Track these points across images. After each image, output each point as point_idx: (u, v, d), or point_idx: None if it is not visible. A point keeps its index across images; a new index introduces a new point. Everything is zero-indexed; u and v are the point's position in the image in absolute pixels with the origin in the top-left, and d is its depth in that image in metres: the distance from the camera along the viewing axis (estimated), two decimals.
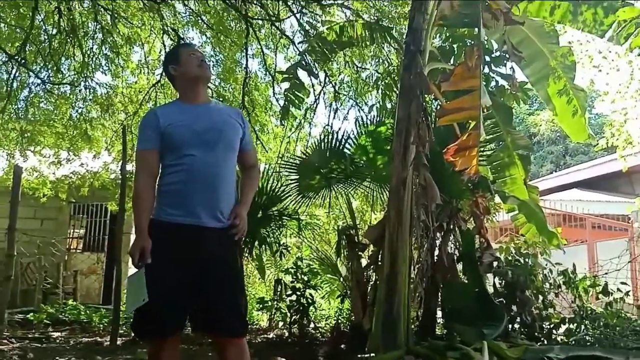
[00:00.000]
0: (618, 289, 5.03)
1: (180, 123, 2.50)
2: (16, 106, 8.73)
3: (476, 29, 4.27)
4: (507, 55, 4.56)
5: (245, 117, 2.87)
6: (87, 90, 8.73)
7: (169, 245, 2.41)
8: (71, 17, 7.76)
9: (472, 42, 4.25)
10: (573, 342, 4.67)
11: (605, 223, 10.18)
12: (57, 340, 5.95)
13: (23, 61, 7.66)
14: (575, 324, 4.92)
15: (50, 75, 8.47)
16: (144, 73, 9.23)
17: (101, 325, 6.97)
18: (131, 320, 2.51)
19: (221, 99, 8.35)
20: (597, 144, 9.10)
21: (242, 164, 2.71)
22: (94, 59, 8.45)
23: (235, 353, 2.46)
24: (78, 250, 11.28)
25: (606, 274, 5.31)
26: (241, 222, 2.54)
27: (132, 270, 2.63)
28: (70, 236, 11.30)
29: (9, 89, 7.96)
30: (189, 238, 2.40)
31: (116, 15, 7.85)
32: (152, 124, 2.54)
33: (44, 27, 8.04)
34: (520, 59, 4.51)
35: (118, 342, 5.60)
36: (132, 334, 5.18)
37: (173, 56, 2.72)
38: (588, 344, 4.57)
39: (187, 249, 2.39)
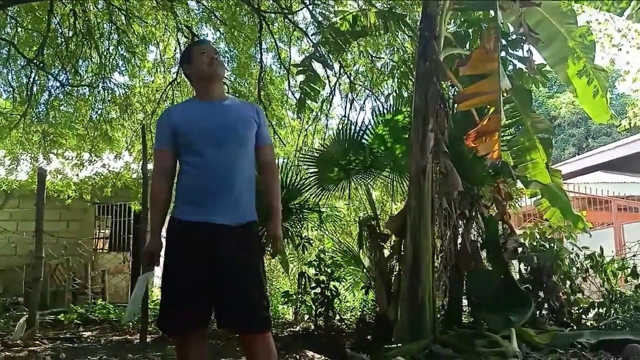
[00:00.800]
0: None
1: (192, 121, 2.51)
2: (37, 110, 8.86)
3: (492, 12, 4.19)
4: (524, 38, 4.47)
5: (262, 111, 2.84)
6: (106, 91, 8.81)
7: (185, 243, 2.43)
8: (86, 18, 7.84)
9: (488, 26, 4.17)
10: (603, 326, 4.60)
11: (631, 205, 10.01)
12: (89, 340, 6.05)
13: (41, 65, 7.77)
14: (604, 308, 4.85)
15: (69, 77, 8.57)
16: (160, 72, 9.30)
17: (130, 323, 7.07)
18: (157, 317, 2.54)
19: (237, 95, 8.36)
20: (620, 124, 8.92)
21: (256, 159, 2.68)
22: (111, 59, 8.53)
23: (261, 348, 2.47)
24: (104, 250, 11.45)
25: (634, 256, 5.21)
26: (279, 243, 2.63)
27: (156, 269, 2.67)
28: (96, 236, 11.47)
29: (29, 92, 8.09)
30: (205, 236, 2.41)
31: (130, 15, 7.91)
32: (165, 123, 2.57)
33: (60, 30, 8.13)
34: (538, 41, 4.43)
35: (148, 340, 5.67)
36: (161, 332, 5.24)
37: (186, 55, 2.76)
38: (618, 327, 4.50)
39: (203, 247, 2.40)
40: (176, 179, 2.57)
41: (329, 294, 5.84)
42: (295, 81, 7.95)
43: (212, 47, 2.73)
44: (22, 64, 8.15)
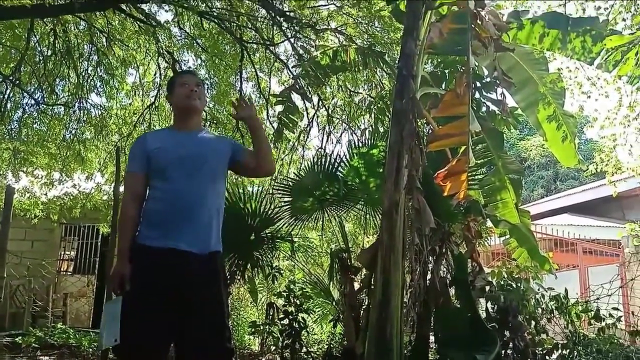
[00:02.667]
0: (610, 315, 5.03)
1: (166, 148, 2.54)
2: (9, 126, 8.73)
3: (465, 57, 4.33)
4: (497, 81, 4.63)
5: (239, 139, 2.92)
6: (81, 111, 8.76)
7: (148, 269, 2.42)
8: (66, 38, 7.83)
9: (460, 71, 4.31)
10: None
11: (597, 248, 10.22)
12: None
13: (17, 82, 7.70)
14: (568, 350, 4.90)
15: (45, 96, 8.50)
16: (138, 95, 9.29)
17: (90, 349, 6.87)
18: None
19: (215, 122, 8.39)
20: (587, 169, 9.19)
21: (249, 168, 2.77)
22: (89, 80, 8.50)
23: None
24: (68, 273, 11.18)
25: (598, 299, 5.31)
26: (249, 106, 2.75)
27: None
28: (61, 258, 11.19)
29: (2, 109, 7.98)
30: (169, 262, 2.40)
31: (111, 37, 7.92)
32: (140, 147, 2.61)
33: (39, 48, 8.10)
34: (511, 84, 4.59)
35: None
36: None
37: (169, 84, 2.84)
38: None
39: (166, 274, 2.39)
40: (144, 205, 2.58)
41: (297, 326, 5.79)
42: (274, 111, 8.03)
43: (194, 79, 2.76)
44: None
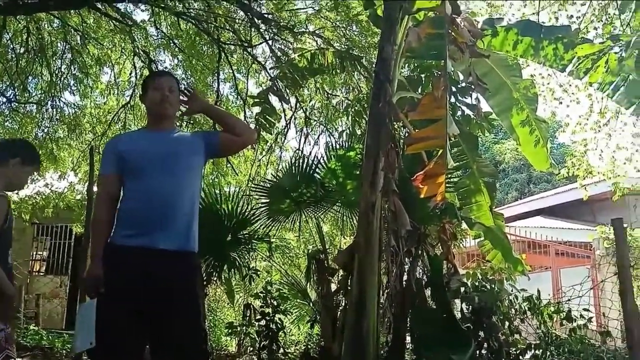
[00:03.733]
0: (581, 315, 5.14)
1: (139, 149, 2.54)
2: None
3: (442, 61, 4.40)
4: (472, 86, 4.71)
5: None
6: (54, 109, 8.63)
7: (122, 269, 2.40)
8: (40, 36, 7.70)
9: (439, 73, 4.37)
10: None
11: (568, 250, 10.43)
12: None
13: None
14: (540, 350, 4.99)
15: (17, 93, 8.34)
16: (113, 94, 9.18)
17: (64, 351, 6.76)
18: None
19: (192, 122, 8.33)
20: (559, 173, 9.38)
21: (229, 144, 2.80)
22: (62, 78, 8.38)
23: None
24: (41, 273, 10.97)
25: (569, 300, 5.42)
26: (194, 98, 2.78)
27: None
28: (33, 258, 10.98)
29: None
30: (141, 261, 2.39)
31: (86, 36, 7.82)
32: (112, 149, 2.61)
33: (11, 46, 7.94)
34: (485, 90, 4.68)
35: None
36: None
37: (143, 85, 2.82)
38: None
39: (138, 273, 2.37)
40: (119, 206, 2.56)
41: (274, 327, 5.79)
42: (251, 112, 8.02)
43: (168, 82, 2.72)
44: None
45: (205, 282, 5.81)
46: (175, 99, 2.70)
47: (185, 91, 2.77)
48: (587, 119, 8.69)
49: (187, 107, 2.80)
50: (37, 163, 3.06)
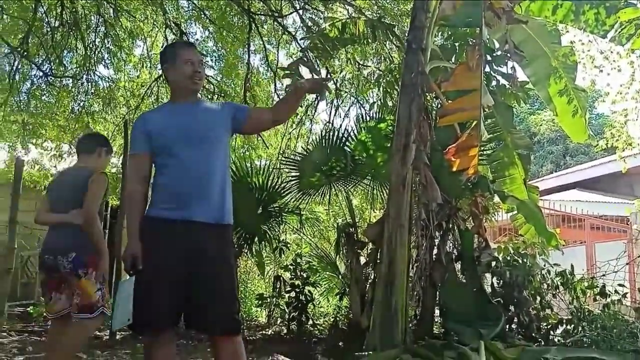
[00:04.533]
0: (615, 291, 5.03)
1: (166, 124, 2.54)
2: (18, 98, 8.73)
3: (478, 29, 4.26)
4: (508, 55, 4.54)
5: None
6: (89, 83, 8.73)
7: (159, 240, 2.44)
8: (74, 9, 7.76)
9: (474, 41, 4.23)
10: (570, 343, 4.67)
11: (604, 224, 10.18)
12: None
13: (25, 53, 7.67)
14: (572, 325, 4.91)
15: (53, 68, 8.47)
16: (146, 67, 9.25)
17: (106, 323, 6.98)
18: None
19: (223, 95, 8.35)
20: (597, 144, 9.09)
21: (259, 124, 2.84)
22: (96, 52, 8.45)
23: (230, 351, 2.48)
24: None
25: (604, 275, 5.30)
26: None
27: None
28: None
29: (11, 81, 7.97)
30: (180, 233, 2.42)
31: (119, 8, 7.85)
32: (140, 128, 2.61)
33: (46, 20, 8.04)
34: (522, 58, 4.51)
35: (117, 337, 5.62)
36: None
37: (170, 55, 2.68)
38: (585, 345, 4.57)
39: (177, 244, 2.41)
40: (152, 181, 2.59)
41: (304, 299, 5.85)
42: (282, 84, 7.98)
43: (197, 55, 2.69)
44: (5, 51, 8.03)
45: (236, 254, 5.90)
46: (203, 72, 2.69)
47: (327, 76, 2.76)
48: (629, 88, 8.34)
49: (308, 85, 2.73)
50: (112, 152, 3.83)
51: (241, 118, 2.68)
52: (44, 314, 7.10)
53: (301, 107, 7.26)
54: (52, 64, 8.36)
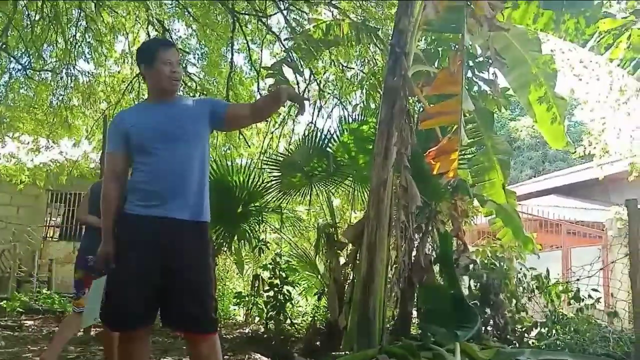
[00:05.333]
0: (589, 296, 5.13)
1: (144, 123, 2.53)
2: None
3: (460, 35, 4.31)
4: (490, 61, 4.61)
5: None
6: (69, 77, 8.62)
7: (135, 237, 2.43)
8: (54, 3, 7.66)
9: (456, 47, 4.29)
10: (544, 346, 4.74)
11: (580, 230, 10.35)
12: (30, 329, 5.90)
13: (4, 46, 7.55)
14: (546, 328, 5.00)
15: (32, 61, 8.35)
16: (127, 63, 9.15)
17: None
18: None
19: (205, 93, 8.31)
20: (575, 151, 9.25)
21: (238, 120, 2.79)
22: (77, 46, 8.35)
23: (206, 349, 2.48)
24: (54, 239, 11.14)
25: (578, 280, 5.39)
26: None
27: None
28: (47, 224, 11.15)
29: None
30: (156, 229, 2.42)
31: (100, 3, 7.76)
32: (118, 127, 2.60)
33: (26, 13, 7.92)
34: (503, 65, 4.58)
35: (92, 333, 5.56)
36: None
37: (148, 54, 2.62)
38: (558, 348, 4.64)
39: (153, 241, 2.41)
40: (130, 179, 2.58)
41: (282, 298, 5.84)
42: (265, 84, 7.96)
43: (175, 55, 2.66)
44: None
45: (215, 252, 5.87)
46: (181, 71, 2.66)
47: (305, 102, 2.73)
48: (607, 97, 8.51)
49: (288, 95, 2.69)
50: None
51: (220, 113, 2.66)
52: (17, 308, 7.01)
53: (284, 107, 7.26)
54: (31, 57, 8.25)
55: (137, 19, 8.36)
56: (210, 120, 2.63)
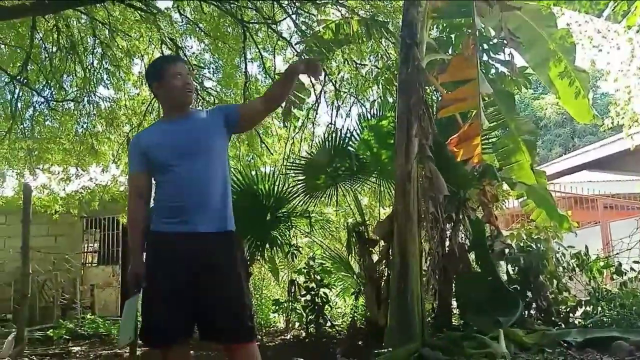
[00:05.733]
0: (631, 268, 5.00)
1: (162, 141, 2.56)
2: (22, 125, 8.81)
3: (471, 18, 4.25)
4: (505, 42, 4.54)
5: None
6: (91, 105, 8.79)
7: (165, 254, 2.46)
8: (70, 33, 7.83)
9: (467, 33, 4.23)
10: (590, 324, 4.65)
11: (617, 203, 10.11)
12: (78, 355, 6.01)
13: (25, 81, 7.74)
14: (591, 306, 4.90)
15: (54, 92, 8.55)
16: (145, 84, 9.27)
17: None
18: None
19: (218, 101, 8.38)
20: (603, 124, 9.02)
21: (253, 116, 2.80)
22: (95, 73, 8.51)
23: (245, 358, 2.49)
24: (93, 264, 11.38)
25: (617, 254, 5.27)
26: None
27: None
28: (85, 250, 11.39)
29: (13, 109, 8.05)
30: (185, 245, 2.44)
31: (114, 29, 7.90)
32: (136, 147, 2.65)
33: (43, 46, 8.11)
34: (518, 44, 4.51)
35: (137, 353, 5.63)
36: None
37: (157, 72, 2.66)
38: (605, 325, 4.54)
39: (183, 257, 2.43)
40: (154, 197, 2.61)
41: (319, 301, 5.84)
42: None
43: (185, 67, 2.70)
44: (5, 80, 8.12)
45: (249, 262, 5.91)
46: (192, 83, 2.69)
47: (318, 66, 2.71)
48: (629, 65, 8.27)
49: (302, 66, 2.74)
50: None
51: (234, 116, 2.68)
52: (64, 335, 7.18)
53: (301, 110, 7.27)
54: (52, 89, 8.44)
55: (151, 39, 8.47)
56: (227, 126, 2.66)
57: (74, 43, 7.88)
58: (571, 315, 4.96)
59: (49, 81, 8.18)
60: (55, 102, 8.63)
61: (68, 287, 9.71)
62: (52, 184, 9.99)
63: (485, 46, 5.32)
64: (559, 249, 5.26)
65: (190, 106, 2.75)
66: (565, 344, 3.93)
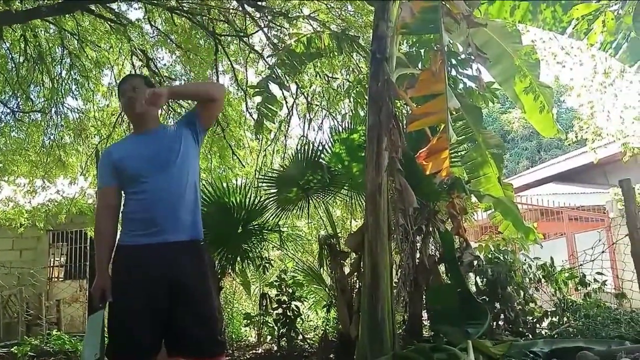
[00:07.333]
0: (595, 279, 5.13)
1: (131, 155, 2.59)
2: None
3: (439, 34, 4.34)
4: (472, 57, 4.64)
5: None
6: (59, 116, 8.65)
7: (134, 268, 2.45)
8: (37, 43, 7.71)
9: (435, 48, 4.32)
10: (556, 334, 4.74)
11: (582, 215, 10.36)
12: None
13: None
14: (557, 317, 4.99)
15: (20, 103, 8.38)
16: (115, 95, 9.17)
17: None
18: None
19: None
20: (567, 138, 9.28)
21: (205, 111, 2.79)
22: (64, 84, 8.38)
23: None
24: (60, 279, 11.11)
25: (581, 265, 5.40)
26: (154, 96, 2.58)
27: None
28: (51, 265, 11.13)
29: None
30: (155, 256, 2.44)
31: (83, 39, 7.81)
32: (106, 162, 2.67)
33: (10, 55, 7.97)
34: (485, 60, 4.60)
35: None
36: None
37: (118, 95, 2.86)
38: (571, 335, 4.64)
39: (154, 268, 2.43)
40: (122, 210, 2.61)
41: (291, 314, 5.83)
42: (253, 102, 7.98)
43: (129, 84, 2.73)
44: None
45: (220, 275, 5.86)
46: (140, 95, 2.64)
47: (146, 96, 2.61)
48: (592, 81, 8.56)
49: (155, 105, 2.71)
50: None
51: (194, 120, 2.73)
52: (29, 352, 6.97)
53: (273, 123, 7.28)
54: (19, 99, 8.28)
55: (121, 51, 8.39)
56: (192, 131, 2.70)
57: (41, 53, 7.76)
58: (538, 325, 5.05)
59: (16, 91, 8.02)
60: (21, 113, 8.45)
61: (33, 303, 9.46)
62: (18, 196, 9.76)
63: (454, 61, 5.44)
64: (525, 260, 5.37)
65: (154, 119, 2.73)
66: (532, 355, 3.99)
